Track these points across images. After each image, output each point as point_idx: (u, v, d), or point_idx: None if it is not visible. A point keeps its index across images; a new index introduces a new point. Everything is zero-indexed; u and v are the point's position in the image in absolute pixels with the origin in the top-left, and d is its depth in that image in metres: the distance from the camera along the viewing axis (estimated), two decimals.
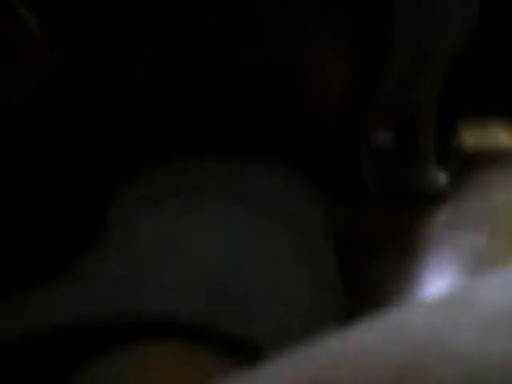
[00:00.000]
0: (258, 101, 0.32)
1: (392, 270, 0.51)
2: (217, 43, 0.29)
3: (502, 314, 0.09)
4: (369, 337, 0.08)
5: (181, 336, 0.18)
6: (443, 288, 0.49)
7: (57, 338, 0.18)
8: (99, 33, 0.30)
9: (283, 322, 0.22)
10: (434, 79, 0.40)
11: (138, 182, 0.31)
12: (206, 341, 0.19)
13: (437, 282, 0.52)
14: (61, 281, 0.23)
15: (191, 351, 0.18)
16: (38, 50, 0.32)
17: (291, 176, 0.33)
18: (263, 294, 0.22)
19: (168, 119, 0.32)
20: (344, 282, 0.30)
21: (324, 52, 0.31)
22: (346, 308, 0.29)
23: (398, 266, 0.52)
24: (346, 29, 0.31)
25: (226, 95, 0.31)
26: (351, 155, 0.36)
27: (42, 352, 0.18)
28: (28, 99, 0.32)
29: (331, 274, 0.30)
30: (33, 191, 0.38)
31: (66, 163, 0.35)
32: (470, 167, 0.87)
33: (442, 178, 0.77)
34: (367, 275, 0.48)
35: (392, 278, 0.49)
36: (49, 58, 0.31)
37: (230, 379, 0.17)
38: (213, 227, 0.25)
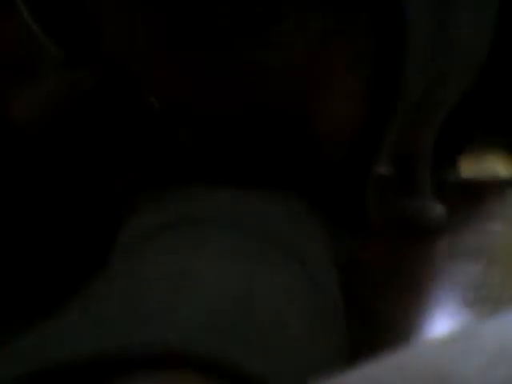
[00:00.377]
0: (265, 122, 0.32)
1: (393, 302, 0.51)
2: (220, 42, 0.29)
3: (501, 350, 0.09)
4: (382, 372, 0.09)
5: (194, 369, 0.19)
6: (443, 319, 0.50)
7: (68, 371, 0.18)
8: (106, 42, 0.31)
9: (292, 360, 0.22)
10: (441, 116, 0.40)
11: (146, 212, 0.31)
12: (218, 376, 0.19)
13: (437, 313, 0.52)
14: (69, 311, 0.23)
15: None
16: (55, 73, 0.32)
17: (295, 206, 0.33)
18: (273, 330, 0.22)
19: (173, 138, 0.33)
20: (346, 315, 0.31)
21: (338, 84, 0.31)
22: (349, 340, 0.30)
23: (399, 298, 0.52)
24: (361, 64, 0.31)
25: (231, 117, 0.31)
26: (358, 188, 0.36)
27: None
28: (44, 121, 0.32)
29: (337, 307, 0.30)
30: (40, 217, 0.38)
31: (72, 188, 0.35)
32: (468, 198, 0.88)
33: (439, 209, 0.77)
34: (368, 309, 0.48)
35: (393, 311, 0.49)
36: (66, 82, 0.32)
37: None
38: (222, 260, 0.25)
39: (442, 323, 0.47)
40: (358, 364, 0.10)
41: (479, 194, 0.91)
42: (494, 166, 0.99)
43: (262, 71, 0.30)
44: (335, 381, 0.09)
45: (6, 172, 0.35)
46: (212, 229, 0.28)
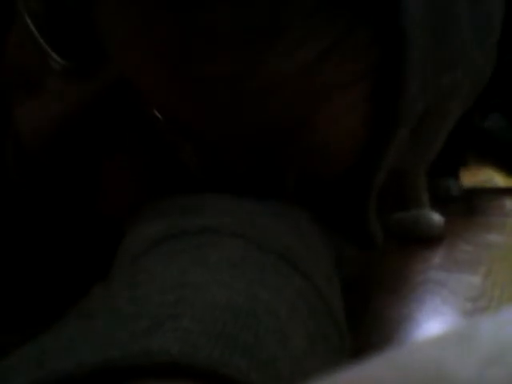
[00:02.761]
0: (266, 135, 0.31)
1: (389, 313, 0.51)
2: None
3: (501, 350, 0.09)
4: (381, 368, 0.09)
5: (196, 379, 0.19)
6: (441, 328, 0.49)
7: (71, 382, 0.18)
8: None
9: (293, 371, 0.22)
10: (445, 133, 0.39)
11: (147, 222, 0.31)
12: None
13: (434, 323, 0.52)
14: (69, 322, 0.23)
15: None
16: (61, 85, 0.32)
17: (297, 217, 0.33)
18: (275, 341, 0.22)
19: (175, 150, 0.33)
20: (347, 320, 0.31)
21: (338, 98, 0.31)
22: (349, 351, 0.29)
23: (396, 309, 0.52)
24: (361, 78, 0.31)
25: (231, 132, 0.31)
26: (361, 203, 0.36)
27: None
28: (48, 132, 0.32)
29: (339, 318, 0.30)
30: (41, 227, 0.38)
31: (74, 198, 0.35)
32: (466, 209, 0.88)
33: (437, 219, 0.77)
34: (363, 318, 0.48)
35: (390, 321, 0.49)
36: (72, 94, 0.32)
37: None
38: (224, 270, 0.25)
39: (437, 330, 0.47)
40: (354, 363, 0.10)
41: (478, 204, 0.91)
42: (491, 176, 0.99)
43: (262, 84, 0.30)
44: (331, 379, 0.10)
45: (8, 182, 0.35)
46: (213, 239, 0.28)
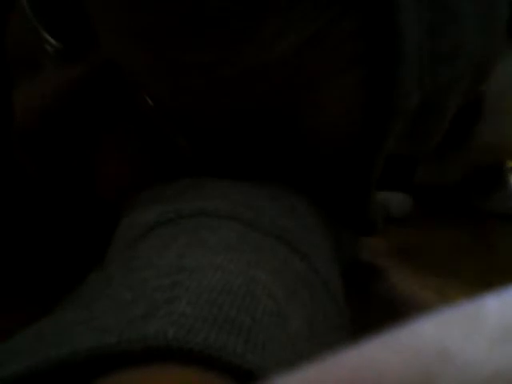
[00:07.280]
0: (259, 121, 0.31)
1: (392, 294, 0.51)
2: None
3: (504, 329, 0.09)
4: (382, 350, 0.09)
5: (193, 363, 0.18)
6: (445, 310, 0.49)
7: (67, 367, 0.18)
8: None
9: (291, 354, 0.22)
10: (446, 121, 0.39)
11: (143, 208, 0.31)
12: (217, 369, 0.19)
13: (437, 305, 0.52)
14: (66, 308, 0.23)
15: (202, 379, 0.18)
16: (53, 68, 0.33)
17: (296, 201, 0.33)
18: (273, 324, 0.22)
19: (168, 135, 0.33)
20: (348, 304, 0.30)
21: (328, 84, 0.31)
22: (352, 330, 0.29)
23: (398, 289, 0.52)
24: (352, 65, 0.31)
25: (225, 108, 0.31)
26: (360, 190, 0.36)
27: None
28: (41, 111, 0.32)
29: (338, 299, 0.29)
30: (38, 212, 0.38)
31: (68, 182, 0.35)
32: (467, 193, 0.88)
33: (406, 201, 0.77)
34: (367, 301, 0.48)
35: (392, 303, 0.49)
36: (62, 76, 0.32)
37: None
38: (222, 253, 0.25)
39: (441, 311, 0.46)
40: (354, 342, 0.09)
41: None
42: None
43: (242, 72, 0.29)
44: (331, 361, 0.09)
45: (4, 166, 0.35)
46: (210, 222, 0.28)
